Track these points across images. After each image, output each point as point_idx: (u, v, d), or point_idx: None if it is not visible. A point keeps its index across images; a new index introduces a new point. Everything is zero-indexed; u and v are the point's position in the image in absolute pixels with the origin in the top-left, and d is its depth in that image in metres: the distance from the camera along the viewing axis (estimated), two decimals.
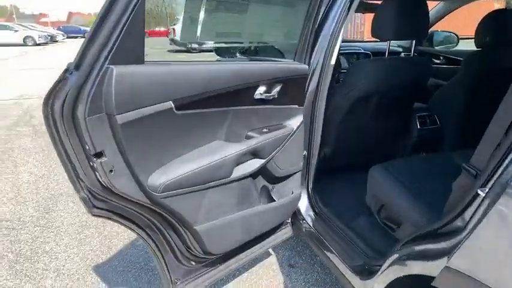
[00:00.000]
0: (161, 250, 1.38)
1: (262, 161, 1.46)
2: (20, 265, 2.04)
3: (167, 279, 1.42)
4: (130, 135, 1.02)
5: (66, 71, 0.95)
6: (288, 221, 1.91)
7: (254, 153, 1.43)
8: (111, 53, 0.94)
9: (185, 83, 1.12)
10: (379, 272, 1.25)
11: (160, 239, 1.37)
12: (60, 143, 1.01)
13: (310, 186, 1.87)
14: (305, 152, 1.76)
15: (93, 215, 1.16)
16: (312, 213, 1.86)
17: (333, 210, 1.80)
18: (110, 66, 0.93)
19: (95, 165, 1.03)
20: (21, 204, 2.72)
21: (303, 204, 1.87)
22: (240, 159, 1.37)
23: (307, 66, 1.54)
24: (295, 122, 1.59)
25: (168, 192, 1.16)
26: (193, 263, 1.47)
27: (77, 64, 0.93)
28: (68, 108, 0.94)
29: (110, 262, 2.10)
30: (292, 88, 1.52)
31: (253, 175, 1.49)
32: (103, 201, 1.15)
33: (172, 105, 1.09)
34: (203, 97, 1.17)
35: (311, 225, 1.79)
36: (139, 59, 1.01)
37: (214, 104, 1.23)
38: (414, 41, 2.29)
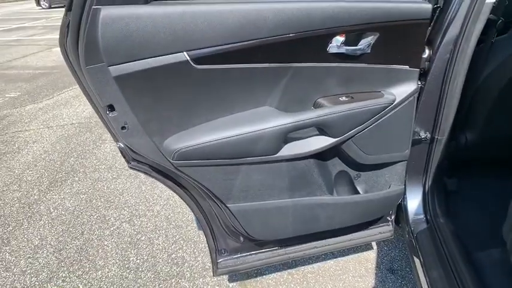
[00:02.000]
0: (208, 216, 1.27)
1: (332, 140, 1.06)
2: (145, 187, 2.40)
3: (212, 247, 1.31)
4: (131, 91, 0.87)
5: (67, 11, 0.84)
6: (389, 218, 1.45)
7: (322, 129, 1.05)
8: None
9: (208, 29, 0.84)
10: None
11: (206, 204, 1.24)
12: (83, 86, 0.96)
13: (429, 182, 1.31)
14: (427, 135, 1.22)
15: (130, 168, 1.13)
16: (422, 217, 1.33)
17: (454, 225, 1.23)
18: (98, 7, 0.77)
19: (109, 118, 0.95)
20: None
21: (413, 204, 1.36)
22: (292, 134, 1.02)
23: (429, 6, 0.95)
24: (401, 90, 1.06)
25: (184, 161, 0.98)
26: (242, 238, 1.31)
27: (69, 3, 0.81)
28: (72, 53, 0.86)
29: None
30: (402, 39, 0.98)
31: (318, 157, 1.11)
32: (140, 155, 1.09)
33: (187, 57, 0.85)
34: (236, 49, 0.87)
35: (413, 234, 1.29)
36: None
37: (256, 58, 0.91)
38: None
